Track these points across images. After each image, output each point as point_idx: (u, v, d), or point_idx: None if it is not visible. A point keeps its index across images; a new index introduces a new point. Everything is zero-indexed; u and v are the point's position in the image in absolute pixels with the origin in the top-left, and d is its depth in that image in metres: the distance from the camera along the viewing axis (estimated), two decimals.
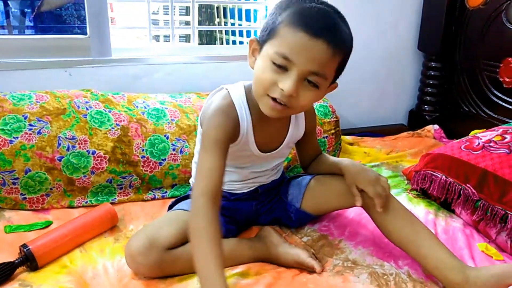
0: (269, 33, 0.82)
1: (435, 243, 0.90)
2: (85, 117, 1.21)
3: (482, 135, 1.23)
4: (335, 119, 1.50)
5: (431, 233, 0.93)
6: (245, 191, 1.05)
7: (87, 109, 1.23)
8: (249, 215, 1.08)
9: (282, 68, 0.79)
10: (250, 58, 0.88)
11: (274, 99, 0.81)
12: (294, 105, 0.83)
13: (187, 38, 3.44)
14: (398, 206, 0.96)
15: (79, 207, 1.18)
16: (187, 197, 1.04)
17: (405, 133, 1.85)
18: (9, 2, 1.51)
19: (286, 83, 0.78)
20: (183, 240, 0.89)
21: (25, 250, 0.90)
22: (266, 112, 0.85)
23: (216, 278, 0.73)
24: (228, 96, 0.91)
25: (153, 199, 1.24)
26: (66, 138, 1.17)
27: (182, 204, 1.01)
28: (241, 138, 0.92)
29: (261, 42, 0.84)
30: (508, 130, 1.21)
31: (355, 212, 1.20)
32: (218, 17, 3.71)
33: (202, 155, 0.87)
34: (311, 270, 0.94)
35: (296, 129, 1.02)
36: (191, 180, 1.11)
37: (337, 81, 0.90)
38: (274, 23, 0.81)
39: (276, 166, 1.06)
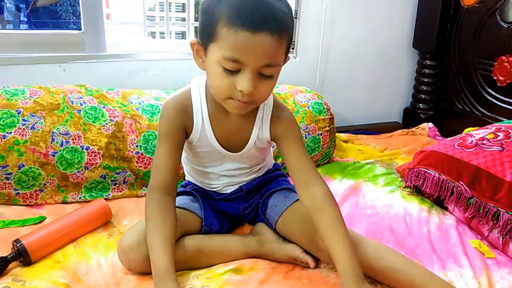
0: (209, 35, 0.77)
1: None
2: (79, 113, 1.21)
3: (475, 133, 1.24)
4: (329, 117, 1.50)
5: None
6: (228, 191, 1.04)
7: (81, 104, 1.23)
8: (238, 217, 1.07)
9: (234, 71, 0.76)
10: (197, 60, 0.85)
11: (237, 100, 0.80)
12: (257, 99, 0.82)
13: (183, 35, 3.42)
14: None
15: (73, 202, 1.18)
16: (178, 194, 1.03)
17: (399, 131, 1.86)
18: None
19: (244, 84, 0.76)
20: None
21: (18, 245, 0.90)
22: (233, 112, 0.85)
23: (161, 255, 0.81)
24: (188, 88, 0.92)
25: None
26: (60, 133, 1.16)
27: None
28: (197, 132, 0.92)
29: (202, 43, 0.81)
30: (501, 128, 1.21)
31: (348, 210, 1.20)
32: None
33: (155, 149, 0.92)
34: (304, 266, 0.94)
35: (261, 129, 0.95)
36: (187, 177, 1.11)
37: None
38: (211, 22, 0.76)
39: (254, 164, 1.03)
